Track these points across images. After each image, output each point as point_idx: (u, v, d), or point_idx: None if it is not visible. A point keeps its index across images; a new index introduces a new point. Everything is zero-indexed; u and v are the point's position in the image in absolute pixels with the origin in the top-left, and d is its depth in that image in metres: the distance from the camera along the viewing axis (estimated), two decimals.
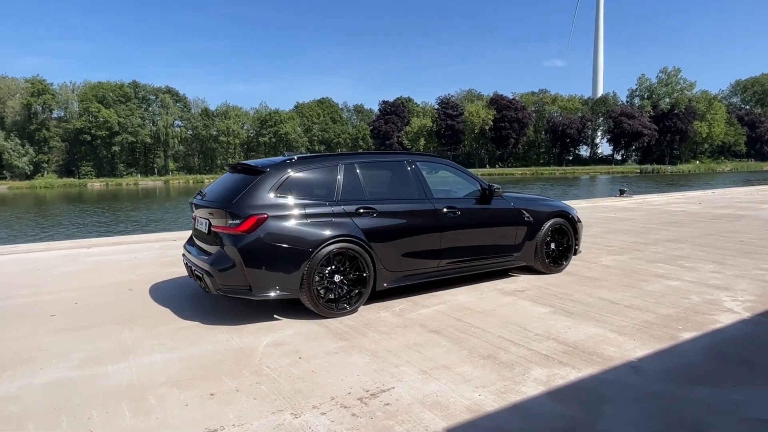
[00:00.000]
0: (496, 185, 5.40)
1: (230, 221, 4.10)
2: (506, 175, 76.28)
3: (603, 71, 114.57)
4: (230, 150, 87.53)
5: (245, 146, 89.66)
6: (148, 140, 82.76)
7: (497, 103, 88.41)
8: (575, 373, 3.17)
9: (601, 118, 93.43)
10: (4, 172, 73.41)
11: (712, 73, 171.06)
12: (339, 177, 4.57)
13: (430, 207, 4.89)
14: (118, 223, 23.57)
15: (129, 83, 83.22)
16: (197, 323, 4.28)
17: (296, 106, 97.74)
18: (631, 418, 2.62)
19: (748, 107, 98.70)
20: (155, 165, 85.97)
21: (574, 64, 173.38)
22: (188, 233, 5.77)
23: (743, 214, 11.20)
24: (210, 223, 4.36)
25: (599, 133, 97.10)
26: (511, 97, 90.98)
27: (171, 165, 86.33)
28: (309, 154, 4.73)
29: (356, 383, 3.08)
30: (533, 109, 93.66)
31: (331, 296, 4.34)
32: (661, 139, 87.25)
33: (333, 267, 4.33)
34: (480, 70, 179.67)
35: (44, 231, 21.13)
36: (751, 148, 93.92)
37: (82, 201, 42.76)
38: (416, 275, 4.85)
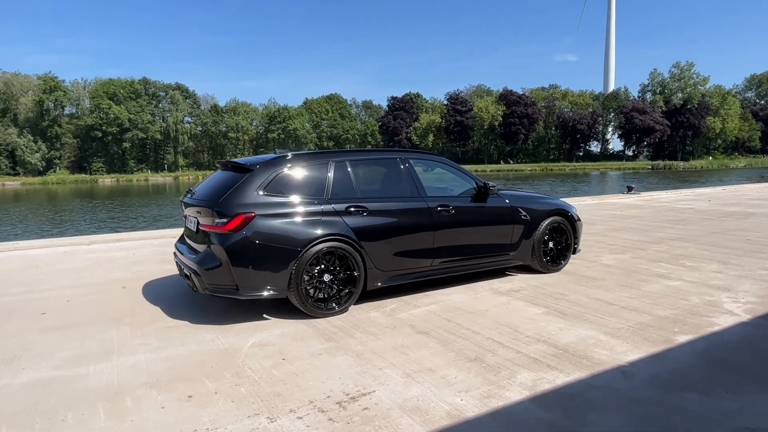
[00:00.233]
0: (491, 183, 5.30)
1: (217, 220, 4.05)
2: (515, 171, 75.74)
3: (614, 66, 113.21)
4: (239, 146, 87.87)
5: (254, 142, 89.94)
6: (158, 136, 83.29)
7: (507, 98, 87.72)
8: (563, 377, 3.09)
9: (612, 114, 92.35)
10: (17, 168, 74.34)
11: (726, 68, 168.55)
12: (329, 175, 4.50)
13: (422, 205, 4.81)
14: (129, 219, 23.75)
15: (139, 80, 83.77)
16: (186, 322, 4.25)
17: (305, 102, 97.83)
18: (614, 425, 2.53)
19: (763, 102, 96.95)
20: (165, 161, 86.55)
21: (585, 58, 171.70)
22: None
23: (753, 212, 10.98)
24: (198, 222, 4.32)
25: (610, 129, 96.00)
26: (521, 93, 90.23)
27: (181, 161, 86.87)
28: (299, 152, 4.67)
29: (337, 386, 3.02)
30: (543, 104, 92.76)
31: (321, 296, 4.29)
32: (673, 135, 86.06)
33: (322, 266, 4.27)
34: (490, 66, 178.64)
35: (57, 227, 21.36)
36: (766, 144, 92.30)
37: (93, 197, 43.18)
38: (408, 275, 4.78)
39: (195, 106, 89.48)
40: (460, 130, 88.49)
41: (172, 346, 3.73)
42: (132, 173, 78.88)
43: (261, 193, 4.19)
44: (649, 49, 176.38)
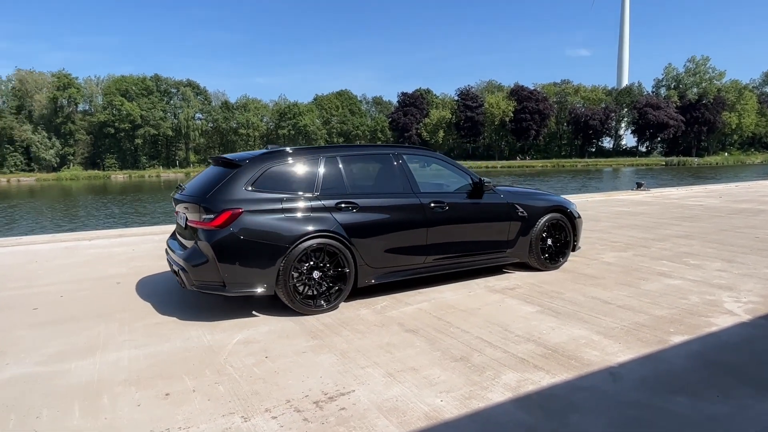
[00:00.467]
0: (486, 179, 5.20)
1: (204, 216, 4.02)
2: (527, 167, 75.13)
3: (628, 60, 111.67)
4: (250, 142, 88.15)
5: (265, 138, 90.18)
6: (170, 133, 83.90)
7: (518, 94, 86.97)
8: (548, 378, 3.01)
9: (626, 109, 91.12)
10: (32, 164, 75.42)
11: (743, 62, 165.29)
12: (319, 171, 4.45)
13: (415, 201, 4.73)
14: (143, 214, 23.97)
15: (151, 77, 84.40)
16: (174, 319, 4.23)
17: (315, 99, 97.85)
18: (596, 429, 2.45)
19: None
20: (177, 157, 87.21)
21: (598, 53, 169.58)
22: None
23: (764, 209, 10.72)
24: (187, 218, 4.29)
25: (623, 125, 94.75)
26: (532, 88, 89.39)
27: (192, 157, 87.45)
28: (288, 147, 4.61)
29: (317, 385, 2.97)
30: (555, 100, 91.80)
31: (310, 293, 4.24)
32: (687, 131, 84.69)
33: (311, 263, 4.22)
34: (501, 61, 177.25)
35: (72, 222, 21.62)
36: None
37: (106, 193, 43.69)
38: (401, 272, 4.72)
39: (206, 102, 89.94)
40: (471, 126, 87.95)
41: (157, 342, 3.71)
42: (144, 169, 79.63)
43: (249, 188, 4.14)
44: (664, 44, 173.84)
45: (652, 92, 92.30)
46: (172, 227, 9.53)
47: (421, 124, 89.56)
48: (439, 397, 2.80)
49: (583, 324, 3.93)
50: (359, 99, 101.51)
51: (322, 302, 4.25)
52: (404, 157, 4.96)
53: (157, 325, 4.08)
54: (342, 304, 4.49)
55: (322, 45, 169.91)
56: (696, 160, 76.25)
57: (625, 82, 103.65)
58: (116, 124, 78.51)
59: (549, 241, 5.66)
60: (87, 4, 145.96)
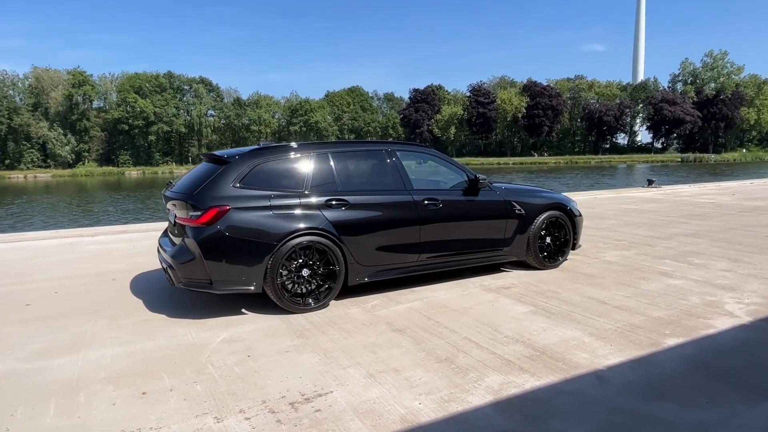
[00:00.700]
0: (482, 176, 5.11)
1: (191, 213, 3.99)
2: (539, 164, 74.43)
3: (644, 56, 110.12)
4: (261, 139, 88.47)
5: (276, 135, 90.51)
6: (183, 129, 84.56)
7: (531, 89, 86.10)
8: (533, 381, 2.92)
9: (641, 105, 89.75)
10: (48, 160, 76.59)
11: (762, 56, 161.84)
12: (309, 167, 4.39)
13: (408, 199, 4.65)
14: (156, 210, 24.19)
15: (164, 74, 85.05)
16: (163, 316, 4.21)
17: (326, 95, 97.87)
18: None
19: None
20: (189, 154, 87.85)
21: (613, 48, 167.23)
22: None
23: None
24: (175, 215, 4.27)
25: (638, 121, 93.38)
26: (546, 84, 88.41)
27: None
28: (279, 144, 4.56)
29: (295, 386, 2.92)
30: (568, 95, 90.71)
31: (299, 291, 4.19)
32: (704, 127, 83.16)
33: (300, 261, 4.17)
34: (514, 56, 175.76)
35: (88, 217, 21.90)
36: None
37: (120, 189, 44.20)
38: (393, 270, 4.65)
39: (218, 99, 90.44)
40: (483, 122, 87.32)
41: (142, 340, 3.69)
42: (157, 166, 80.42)
43: (237, 185, 4.10)
44: (681, 38, 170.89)
45: (668, 87, 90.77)
46: None
47: (432, 120, 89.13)
48: (417, 400, 2.73)
49: (575, 325, 3.83)
50: (371, 95, 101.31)
51: (310, 301, 4.20)
52: (398, 153, 4.88)
53: (144, 323, 4.06)
54: (332, 302, 4.44)
55: (334, 41, 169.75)
56: (713, 156, 74.87)
57: (641, 77, 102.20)
58: (130, 120, 79.34)
59: (548, 240, 5.55)
60: (102, 2, 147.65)
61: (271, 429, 2.47)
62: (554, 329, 3.75)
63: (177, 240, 4.27)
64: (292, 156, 4.41)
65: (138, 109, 78.95)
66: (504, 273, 5.45)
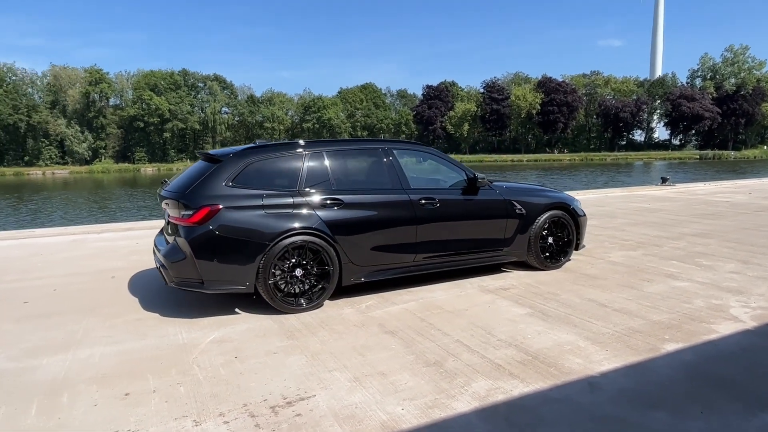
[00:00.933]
0: (481, 174, 5.01)
1: (183, 212, 3.96)
2: (553, 161, 73.61)
3: (662, 51, 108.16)
4: (275, 136, 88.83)
5: (289, 132, 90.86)
6: (197, 127, 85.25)
7: (545, 85, 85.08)
8: (521, 387, 2.84)
9: (658, 101, 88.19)
10: (66, 157, 77.83)
11: None
12: (303, 166, 4.34)
13: (404, 198, 4.58)
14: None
15: (179, 71, 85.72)
16: (156, 315, 4.20)
17: (339, 92, 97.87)
18: None
19: None
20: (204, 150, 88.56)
21: (631, 43, 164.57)
22: None
23: None
24: (169, 214, 4.25)
25: (655, 117, 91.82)
26: (561, 80, 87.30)
27: None
28: (273, 142, 4.52)
29: (278, 388, 2.88)
30: (584, 91, 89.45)
31: (292, 291, 4.15)
32: (724, 123, 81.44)
33: (293, 261, 4.13)
34: (529, 52, 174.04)
35: (107, 213, 22.21)
36: None
37: (135, 185, 44.73)
38: (388, 270, 4.59)
39: (232, 96, 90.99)
40: (497, 119, 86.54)
41: (133, 339, 3.68)
42: (172, 162, 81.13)
43: (229, 184, 4.07)
44: (700, 33, 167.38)
45: (687, 83, 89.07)
46: None
47: (445, 117, 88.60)
48: (401, 405, 2.67)
49: (572, 328, 3.73)
50: (383, 92, 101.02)
51: (302, 301, 4.16)
52: (394, 152, 4.81)
53: (137, 321, 4.06)
54: (327, 302, 4.40)
55: (347, 38, 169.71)
56: (732, 153, 73.36)
57: (659, 72, 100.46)
58: (145, 118, 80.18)
59: (550, 240, 5.44)
60: (119, 1, 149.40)
61: None
62: (549, 333, 3.66)
63: (170, 239, 4.26)
64: (286, 155, 4.37)
65: (153, 106, 79.75)
66: (504, 273, 5.35)
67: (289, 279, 4.13)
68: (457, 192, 4.93)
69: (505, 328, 3.77)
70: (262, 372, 3.10)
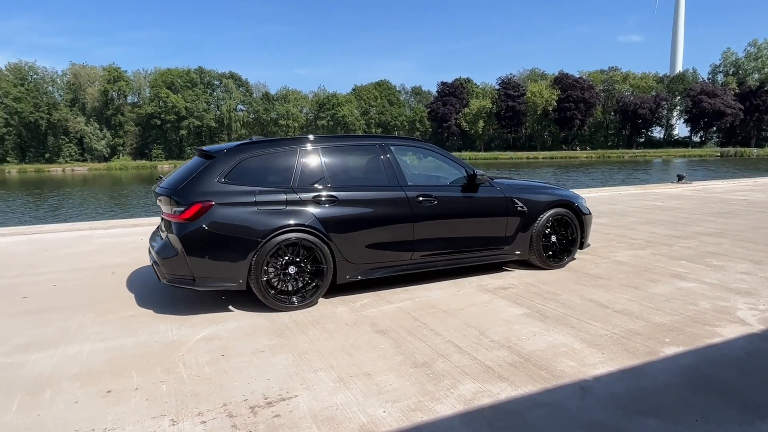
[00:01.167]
0: (480, 171, 4.91)
1: (175, 208, 3.94)
2: (570, 158, 72.64)
3: (683, 46, 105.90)
4: (289, 133, 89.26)
5: (304, 129, 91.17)
6: (213, 124, 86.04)
7: (562, 82, 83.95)
8: (509, 391, 2.75)
9: (678, 97, 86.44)
10: (85, 154, 79.19)
11: None
12: (297, 163, 4.29)
13: (400, 195, 4.50)
14: None
15: (195, 69, 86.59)
16: (150, 312, 4.19)
17: (354, 89, 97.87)
18: None
19: None
20: None
21: (651, 38, 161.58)
22: None
23: None
24: (162, 211, 4.24)
25: (675, 113, 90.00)
26: (578, 76, 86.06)
27: None
28: (267, 138, 4.48)
29: (260, 388, 2.83)
30: (602, 88, 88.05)
31: (285, 288, 4.11)
32: (746, 120, 79.52)
33: (286, 258, 4.08)
34: (545, 48, 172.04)
35: (126, 209, 22.53)
36: None
37: (154, 182, 45.29)
38: (384, 268, 4.51)
39: (247, 94, 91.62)
40: (512, 116, 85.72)
41: (123, 335, 3.67)
42: (188, 159, 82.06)
43: (222, 181, 4.03)
44: (723, 27, 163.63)
45: (708, 79, 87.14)
46: None
47: (460, 114, 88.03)
48: (383, 408, 2.60)
49: (569, 330, 3.62)
50: (398, 89, 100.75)
51: (295, 299, 4.11)
52: (392, 148, 4.73)
53: (130, 318, 4.05)
54: (321, 300, 4.35)
55: (362, 35, 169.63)
56: (755, 150, 71.56)
57: (679, 68, 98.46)
58: (162, 115, 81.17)
59: (553, 238, 5.31)
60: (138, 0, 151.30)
61: None
62: (545, 334, 3.55)
63: (163, 235, 4.25)
64: (280, 151, 4.32)
65: (170, 104, 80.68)
66: (505, 272, 5.24)
67: (282, 276, 4.09)
68: (456, 189, 4.84)
69: (499, 328, 3.68)
70: (247, 371, 3.06)
